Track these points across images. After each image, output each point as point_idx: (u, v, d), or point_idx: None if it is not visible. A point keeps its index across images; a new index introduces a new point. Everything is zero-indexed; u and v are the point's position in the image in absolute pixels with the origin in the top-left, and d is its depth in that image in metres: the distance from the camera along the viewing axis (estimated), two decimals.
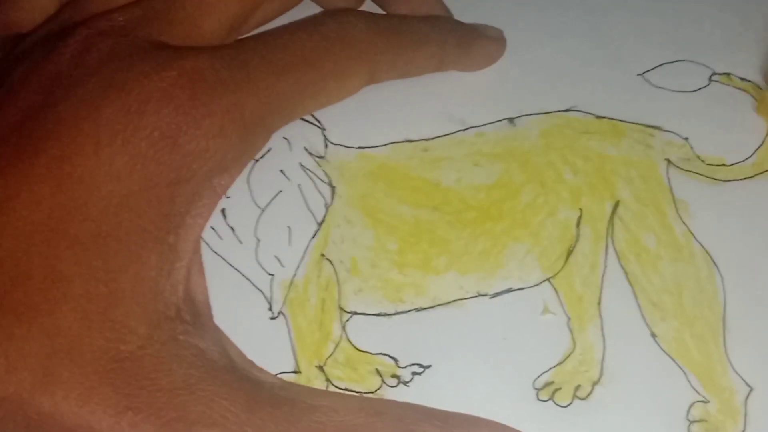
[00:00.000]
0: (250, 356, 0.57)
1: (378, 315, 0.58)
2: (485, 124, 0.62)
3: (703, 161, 0.61)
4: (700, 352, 0.56)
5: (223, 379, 0.49)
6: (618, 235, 0.59)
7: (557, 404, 0.56)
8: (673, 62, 0.65)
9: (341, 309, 0.59)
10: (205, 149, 0.50)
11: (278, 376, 0.57)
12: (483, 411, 0.55)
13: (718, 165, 0.61)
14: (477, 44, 0.64)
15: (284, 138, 0.62)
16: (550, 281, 0.59)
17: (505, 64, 0.65)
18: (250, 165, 0.61)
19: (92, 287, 0.47)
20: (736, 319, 0.57)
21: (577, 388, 0.56)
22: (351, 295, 0.59)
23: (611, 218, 0.59)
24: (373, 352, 0.58)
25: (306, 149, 0.62)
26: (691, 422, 0.55)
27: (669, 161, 0.61)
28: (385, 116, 0.63)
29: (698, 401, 0.55)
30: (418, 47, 0.61)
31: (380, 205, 0.60)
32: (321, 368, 0.58)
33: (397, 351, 0.57)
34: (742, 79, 0.64)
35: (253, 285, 0.59)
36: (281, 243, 0.60)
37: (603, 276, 0.59)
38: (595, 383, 0.56)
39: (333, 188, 0.61)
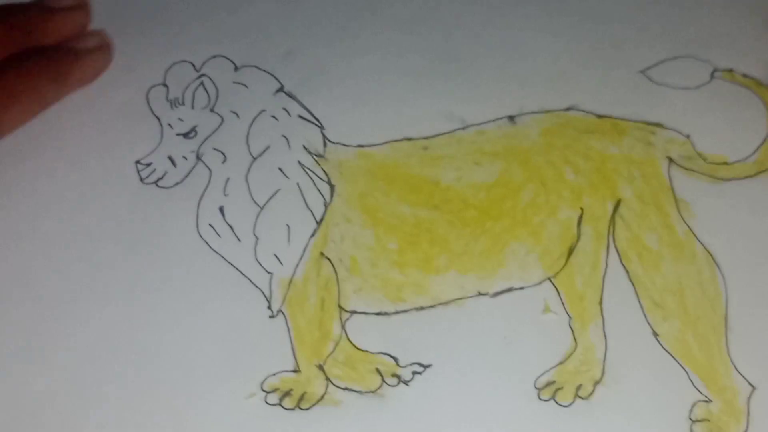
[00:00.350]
0: (249, 355, 0.57)
1: (378, 314, 0.58)
2: (485, 123, 0.62)
3: (704, 159, 0.61)
4: (703, 352, 0.56)
5: None
6: (619, 234, 0.59)
7: (559, 403, 0.55)
8: (674, 58, 0.64)
9: (341, 308, 0.58)
10: None
11: (278, 375, 0.57)
12: (484, 410, 0.55)
13: (719, 163, 0.61)
14: (76, 67, 0.65)
15: (283, 136, 0.62)
16: (551, 280, 0.58)
17: (505, 61, 0.65)
18: (248, 163, 0.61)
19: None
20: (739, 318, 0.57)
21: (579, 387, 0.56)
22: (351, 294, 0.58)
23: (612, 217, 0.59)
24: (373, 351, 0.57)
25: (305, 147, 0.62)
26: (694, 422, 0.55)
27: (671, 159, 0.61)
28: (384, 114, 0.63)
29: (701, 401, 0.55)
30: (10, 106, 0.62)
31: (380, 203, 0.60)
32: (321, 367, 0.57)
33: (398, 350, 0.57)
34: (745, 75, 0.63)
35: (252, 283, 0.59)
36: (280, 241, 0.60)
37: (604, 275, 0.58)
38: (597, 382, 0.56)
39: (332, 187, 0.61)
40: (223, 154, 0.62)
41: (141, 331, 0.58)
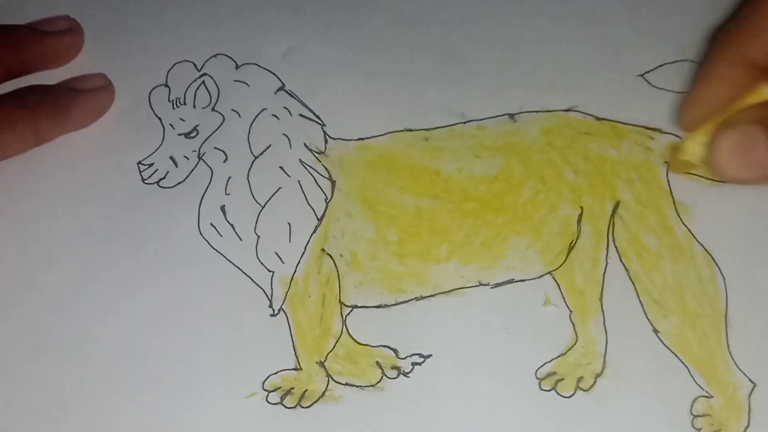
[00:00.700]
0: (250, 354, 0.57)
1: (378, 307, 0.58)
2: (485, 118, 0.62)
3: (703, 162, 0.61)
4: (703, 349, 0.56)
5: None
6: (619, 234, 0.59)
7: (560, 394, 0.55)
8: (673, 63, 0.65)
9: (342, 303, 0.58)
10: None
11: (279, 373, 0.57)
12: (484, 400, 0.55)
13: None
14: (75, 105, 0.64)
15: (284, 135, 0.62)
16: (551, 275, 0.58)
17: (507, 60, 0.65)
18: (249, 162, 0.61)
19: None
20: (739, 316, 0.57)
21: (580, 379, 0.56)
22: (351, 288, 0.59)
23: (612, 218, 0.59)
24: (373, 344, 0.57)
25: (306, 145, 0.62)
26: (695, 416, 0.55)
27: (668, 163, 0.61)
28: (385, 111, 0.63)
29: (702, 396, 0.55)
30: (4, 130, 0.62)
31: (380, 195, 0.60)
32: (322, 364, 0.57)
33: (398, 341, 0.57)
34: None
35: (254, 282, 0.59)
36: (281, 239, 0.60)
37: (604, 272, 0.58)
38: (598, 375, 0.56)
39: (333, 182, 0.61)
40: (224, 153, 0.62)
41: (142, 330, 0.58)
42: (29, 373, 0.58)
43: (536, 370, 0.56)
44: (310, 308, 0.58)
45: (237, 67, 0.65)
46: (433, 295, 0.58)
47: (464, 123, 0.62)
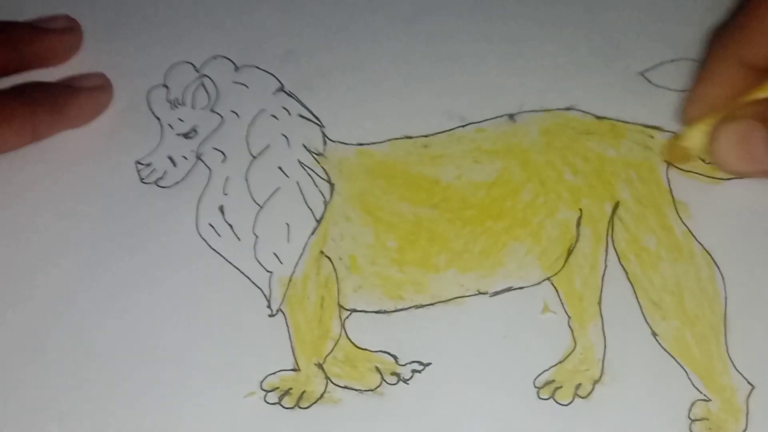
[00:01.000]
0: (248, 354, 0.57)
1: (377, 312, 0.58)
2: (485, 120, 0.62)
3: (703, 160, 0.61)
4: (702, 351, 0.56)
5: None
6: (618, 235, 0.59)
7: (558, 402, 0.55)
8: (673, 61, 0.64)
9: (340, 306, 0.58)
10: None
11: (277, 373, 0.57)
12: (483, 409, 0.55)
13: None
14: (73, 103, 0.65)
15: (283, 135, 0.62)
16: (550, 280, 0.58)
17: (505, 61, 0.65)
18: (248, 162, 0.61)
19: None
20: (738, 318, 0.57)
21: (578, 386, 0.56)
22: (350, 292, 0.59)
23: (611, 219, 0.59)
24: (372, 349, 0.57)
25: (305, 146, 0.62)
26: (693, 421, 0.55)
27: (669, 162, 0.61)
28: (384, 113, 0.63)
29: (700, 400, 0.55)
30: (2, 124, 0.62)
31: (379, 202, 0.60)
32: (320, 366, 0.57)
33: (397, 348, 0.57)
34: None
35: (252, 282, 0.59)
36: (280, 240, 0.60)
37: (603, 276, 0.58)
38: (596, 382, 0.56)
39: (332, 185, 0.61)
40: (222, 153, 0.62)
41: (140, 330, 0.58)
42: (27, 373, 0.58)
43: (534, 379, 0.56)
44: (309, 310, 0.58)
45: (236, 68, 0.65)
46: (432, 304, 0.58)
47: (463, 126, 0.62)
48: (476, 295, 0.58)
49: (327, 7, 0.67)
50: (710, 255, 0.58)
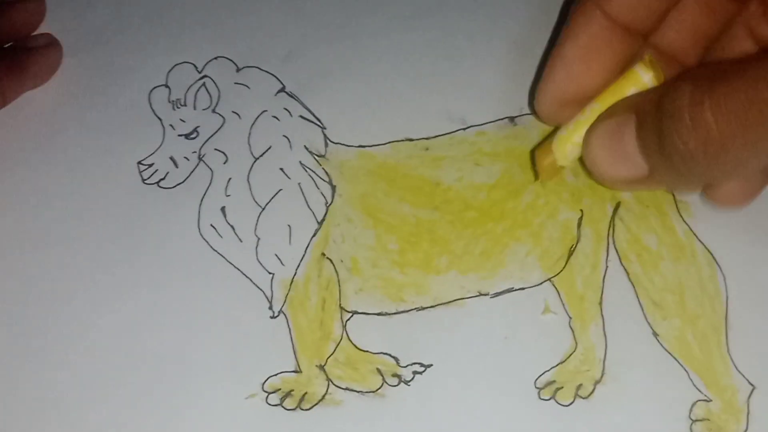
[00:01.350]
0: (249, 355, 0.57)
1: (379, 314, 0.58)
2: (486, 123, 0.62)
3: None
4: (703, 351, 0.56)
5: None
6: (619, 235, 0.59)
7: (559, 403, 0.56)
8: None
9: (342, 308, 0.59)
10: None
11: (279, 375, 0.57)
12: (484, 410, 0.55)
13: None
14: (33, 61, 0.66)
15: (284, 136, 0.62)
16: (551, 281, 0.58)
17: (505, 63, 0.65)
18: (249, 163, 0.61)
19: None
20: (739, 317, 0.57)
21: (579, 387, 0.56)
22: (351, 294, 0.59)
23: (612, 219, 0.59)
24: (374, 351, 0.58)
25: (306, 148, 0.62)
26: (694, 421, 0.55)
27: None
28: (385, 115, 0.63)
29: (701, 400, 0.55)
30: None
31: (381, 204, 0.60)
32: (322, 368, 0.57)
33: (398, 350, 0.57)
34: None
35: (254, 284, 0.59)
36: (282, 242, 0.60)
37: (604, 276, 0.58)
38: (597, 382, 0.56)
39: (333, 187, 0.61)
40: (224, 154, 0.62)
41: (142, 331, 0.58)
42: (28, 373, 0.58)
43: (535, 379, 0.56)
44: (310, 311, 0.58)
45: (237, 69, 0.65)
46: (433, 306, 0.58)
47: (464, 129, 0.62)
48: (477, 296, 0.58)
49: (329, 8, 0.67)
50: (712, 254, 0.58)
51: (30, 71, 0.65)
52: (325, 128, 0.63)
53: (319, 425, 0.56)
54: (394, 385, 0.56)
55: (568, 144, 0.53)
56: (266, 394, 0.57)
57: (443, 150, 0.61)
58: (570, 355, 0.57)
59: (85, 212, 0.62)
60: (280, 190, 0.61)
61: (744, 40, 0.54)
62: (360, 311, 0.58)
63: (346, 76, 0.65)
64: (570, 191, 0.60)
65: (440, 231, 0.59)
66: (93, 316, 0.59)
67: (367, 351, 0.58)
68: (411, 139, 0.62)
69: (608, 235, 0.59)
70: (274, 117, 0.63)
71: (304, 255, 0.59)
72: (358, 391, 0.57)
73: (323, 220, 0.60)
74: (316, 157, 0.61)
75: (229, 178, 0.61)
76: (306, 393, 0.57)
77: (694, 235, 0.59)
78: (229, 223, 0.60)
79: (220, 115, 0.63)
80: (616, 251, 0.59)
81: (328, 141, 0.62)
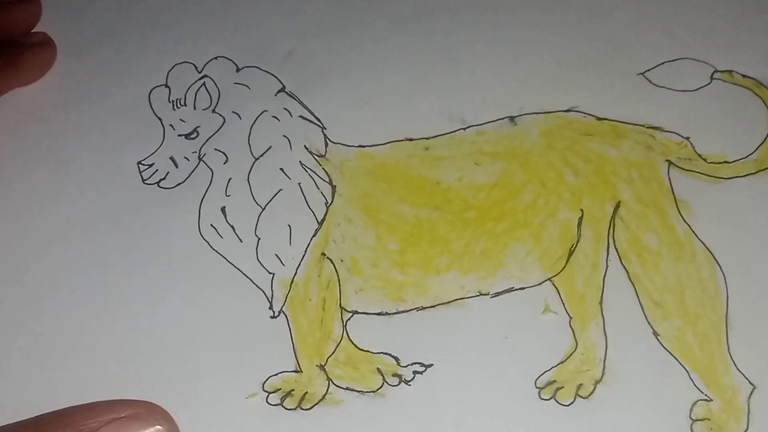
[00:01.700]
0: (250, 355, 0.57)
1: (379, 314, 0.58)
2: (486, 123, 0.62)
3: (704, 160, 0.61)
4: (703, 351, 0.56)
5: None
6: (619, 235, 0.59)
7: (559, 403, 0.56)
8: (674, 60, 0.64)
9: (342, 308, 0.58)
10: None
11: (279, 375, 0.57)
12: (484, 410, 0.55)
13: (720, 163, 0.61)
14: (25, 58, 0.66)
15: (284, 136, 0.62)
16: (551, 281, 0.58)
17: (506, 63, 0.65)
18: (249, 163, 0.61)
19: None
20: (740, 317, 0.57)
21: (580, 386, 0.56)
22: (352, 294, 0.59)
23: (612, 219, 0.59)
24: (374, 351, 0.58)
25: (306, 147, 0.62)
26: (694, 421, 0.55)
27: (670, 162, 0.61)
28: (385, 114, 0.63)
29: (701, 400, 0.55)
30: None
31: (381, 204, 0.60)
32: (322, 367, 0.57)
33: (399, 350, 0.57)
34: (744, 76, 0.63)
35: (254, 284, 0.59)
36: (282, 242, 0.60)
37: (605, 276, 0.58)
38: (597, 382, 0.56)
39: (333, 187, 0.61)
40: (224, 154, 0.62)
41: (143, 331, 0.59)
42: (28, 373, 0.58)
43: (536, 379, 0.56)
44: (311, 311, 0.58)
45: (238, 69, 0.65)
46: (434, 306, 0.58)
47: (464, 129, 0.62)
48: (477, 296, 0.58)
49: (329, 8, 0.67)
50: (712, 254, 0.58)
51: (21, 68, 0.65)
52: (325, 128, 0.63)
53: (320, 425, 0.56)
54: (395, 385, 0.56)
55: None
56: (267, 394, 0.57)
57: (443, 150, 0.61)
58: (570, 354, 0.57)
59: (85, 212, 0.62)
60: (281, 190, 0.61)
61: None
62: (360, 311, 0.58)
63: (346, 75, 0.65)
64: (570, 190, 0.60)
65: (440, 231, 0.59)
66: (92, 315, 0.59)
67: (368, 351, 0.58)
68: (411, 139, 0.62)
69: (608, 234, 0.59)
70: (274, 117, 0.63)
71: (304, 255, 0.59)
72: (358, 391, 0.57)
73: (323, 220, 0.60)
74: (316, 157, 0.61)
75: (230, 178, 0.61)
76: (306, 393, 0.57)
77: (695, 234, 0.59)
78: (229, 223, 0.60)
79: (220, 115, 0.63)
80: (617, 251, 0.59)
81: (328, 141, 0.62)
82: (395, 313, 0.58)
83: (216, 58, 0.65)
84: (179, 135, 0.63)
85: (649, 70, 0.64)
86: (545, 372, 0.56)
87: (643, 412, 0.55)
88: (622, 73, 0.64)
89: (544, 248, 0.59)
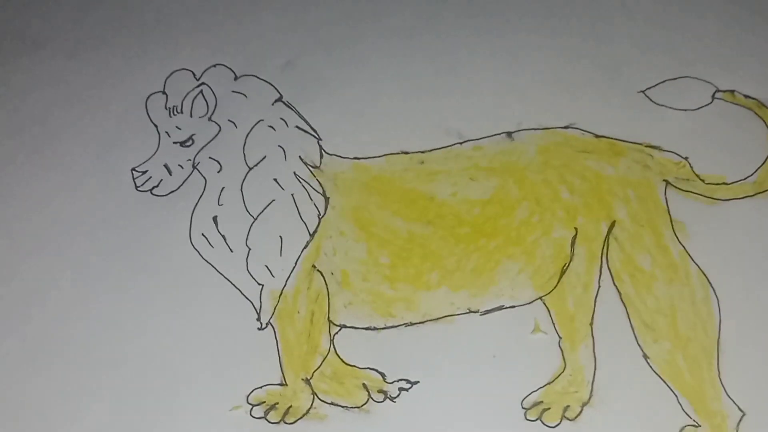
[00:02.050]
0: (236, 367, 0.57)
1: (367, 329, 0.58)
2: (483, 138, 0.62)
3: (703, 180, 0.60)
4: (693, 375, 0.56)
5: None
6: (613, 255, 0.58)
7: (545, 424, 0.55)
8: (675, 79, 0.64)
9: (330, 322, 0.58)
10: None
11: (264, 387, 0.57)
12: (470, 429, 0.55)
13: (718, 184, 0.60)
14: None
15: (279, 146, 0.62)
16: (542, 300, 0.58)
17: (505, 77, 0.64)
18: (243, 173, 0.61)
19: None
20: (731, 341, 0.56)
21: (566, 408, 0.55)
22: (341, 307, 0.58)
23: (607, 238, 0.59)
24: (360, 366, 0.57)
25: (301, 158, 0.61)
26: None
27: (667, 182, 0.60)
28: (381, 127, 0.63)
29: (689, 425, 0.55)
30: None
31: (373, 217, 0.59)
32: (308, 381, 0.57)
33: (385, 366, 0.57)
34: (747, 96, 0.63)
35: (243, 295, 0.59)
36: (272, 253, 0.59)
37: (596, 296, 0.58)
38: (584, 404, 0.56)
39: (327, 199, 0.60)
40: (218, 163, 0.61)
41: (129, 339, 0.59)
42: (22, 377, 0.58)
43: (522, 399, 0.56)
44: (299, 324, 0.58)
45: (236, 78, 0.64)
46: (422, 322, 0.57)
47: (461, 143, 0.62)
48: (467, 313, 0.58)
49: (328, 19, 0.67)
50: (706, 276, 0.58)
51: None
52: (320, 139, 0.62)
53: None
54: (380, 401, 0.56)
55: None
56: (251, 407, 0.57)
57: (439, 164, 0.61)
58: (558, 375, 0.56)
59: (77, 217, 0.62)
60: (273, 200, 0.60)
61: None
62: (348, 325, 0.58)
63: (343, 86, 0.65)
64: (565, 208, 0.59)
65: (432, 246, 0.59)
66: (78, 322, 0.59)
67: (354, 366, 0.57)
68: (407, 152, 0.61)
69: (602, 254, 0.58)
70: (270, 126, 0.62)
71: (294, 266, 0.59)
72: (343, 406, 0.56)
73: (315, 231, 0.59)
74: (310, 168, 0.61)
75: (222, 187, 0.61)
76: (291, 406, 0.56)
77: (689, 256, 0.58)
78: (220, 233, 0.60)
79: (216, 123, 0.62)
80: (609, 271, 0.58)
81: (323, 152, 0.62)
82: (383, 328, 0.58)
83: (215, 65, 0.65)
84: (174, 142, 0.62)
85: (649, 88, 0.64)
86: (532, 392, 0.56)
87: None
88: (622, 90, 0.64)
89: (536, 266, 0.58)
